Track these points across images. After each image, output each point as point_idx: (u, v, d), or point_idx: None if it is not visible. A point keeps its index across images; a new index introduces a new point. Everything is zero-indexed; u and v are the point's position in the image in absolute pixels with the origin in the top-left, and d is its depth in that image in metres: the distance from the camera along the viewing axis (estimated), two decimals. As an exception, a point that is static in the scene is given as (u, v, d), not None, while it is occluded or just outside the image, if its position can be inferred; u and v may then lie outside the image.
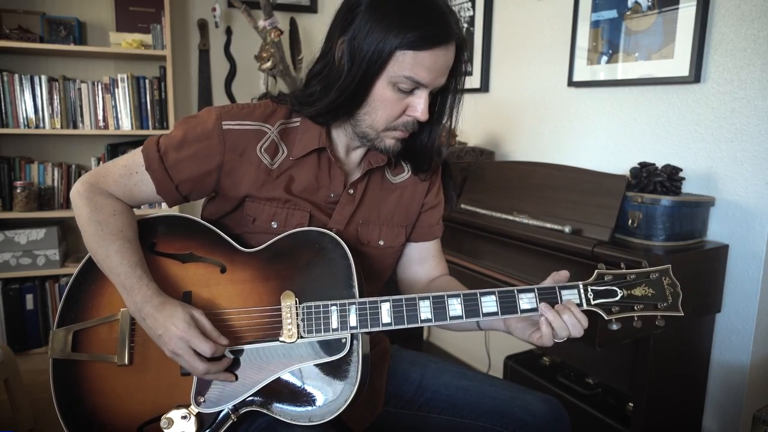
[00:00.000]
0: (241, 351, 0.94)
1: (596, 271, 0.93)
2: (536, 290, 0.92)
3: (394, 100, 0.94)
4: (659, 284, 0.92)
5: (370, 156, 1.07)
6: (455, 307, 0.92)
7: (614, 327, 0.92)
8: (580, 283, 0.92)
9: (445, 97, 1.01)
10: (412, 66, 0.90)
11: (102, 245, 0.94)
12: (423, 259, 1.19)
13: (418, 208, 1.15)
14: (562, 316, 0.89)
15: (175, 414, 0.92)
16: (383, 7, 0.89)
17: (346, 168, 1.06)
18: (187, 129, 1.00)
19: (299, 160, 1.02)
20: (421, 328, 2.80)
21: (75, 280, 1.02)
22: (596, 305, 0.91)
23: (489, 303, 0.92)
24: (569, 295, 0.91)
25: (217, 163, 0.99)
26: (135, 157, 1.00)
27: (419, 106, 0.94)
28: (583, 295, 0.91)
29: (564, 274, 0.95)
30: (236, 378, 0.93)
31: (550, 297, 0.91)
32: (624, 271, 0.92)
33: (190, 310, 0.90)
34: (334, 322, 0.92)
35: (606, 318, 0.91)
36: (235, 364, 0.94)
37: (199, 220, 1.04)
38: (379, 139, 0.98)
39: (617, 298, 0.91)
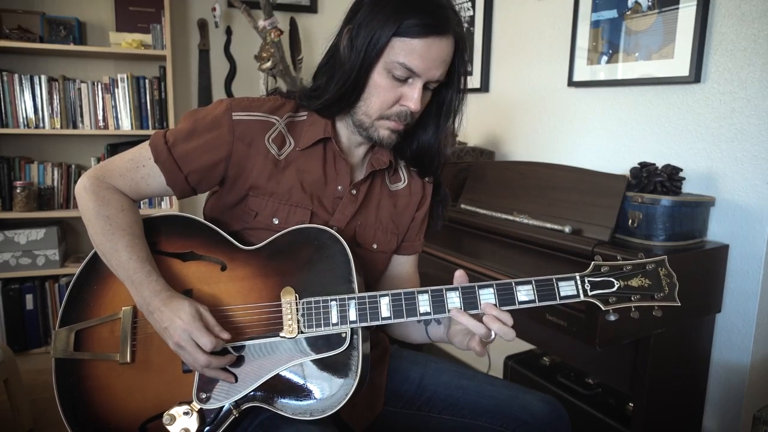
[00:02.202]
0: (243, 347, 0.95)
1: (593, 262, 0.93)
2: (533, 282, 0.92)
3: (388, 87, 0.95)
4: (656, 275, 0.93)
5: (373, 158, 1.08)
6: (454, 300, 0.93)
7: (611, 318, 0.92)
8: (576, 274, 0.92)
9: (446, 94, 1.02)
10: (406, 53, 0.91)
11: (111, 240, 0.95)
12: (396, 272, 1.19)
13: (409, 220, 1.15)
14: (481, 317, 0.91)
15: (177, 410, 0.93)
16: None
17: (349, 161, 1.07)
18: (197, 120, 1.01)
19: (306, 152, 1.03)
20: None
21: (76, 280, 1.03)
22: (593, 296, 0.92)
23: (487, 295, 0.92)
24: (566, 287, 0.92)
25: (226, 153, 0.99)
26: (142, 150, 1.01)
27: (412, 95, 0.95)
28: (580, 287, 0.92)
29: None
30: (236, 379, 0.94)
31: (546, 289, 0.92)
32: (620, 262, 0.93)
33: (197, 306, 0.91)
34: (334, 317, 0.93)
35: (603, 309, 0.92)
36: (236, 361, 0.94)
37: (200, 219, 1.04)
38: (373, 128, 0.99)
39: (614, 289, 0.92)
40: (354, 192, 1.06)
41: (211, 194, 1.11)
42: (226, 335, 0.92)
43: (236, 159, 1.00)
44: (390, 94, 0.95)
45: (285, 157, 1.02)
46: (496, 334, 0.92)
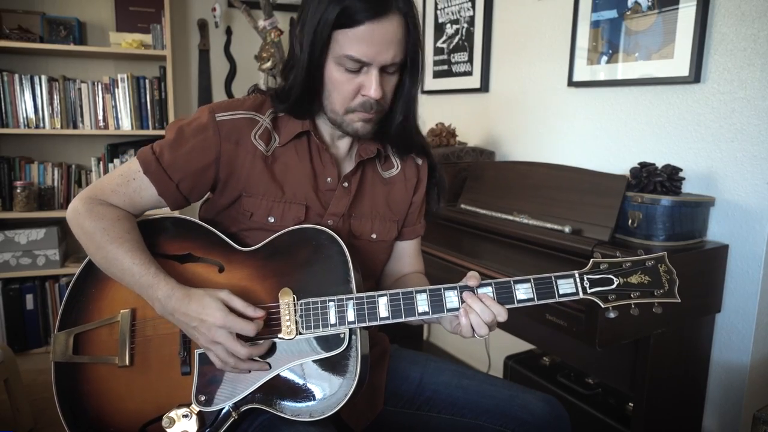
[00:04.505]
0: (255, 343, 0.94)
1: (592, 260, 0.93)
2: (532, 280, 0.92)
3: (344, 81, 0.94)
4: (655, 271, 0.92)
5: (360, 148, 1.07)
6: (452, 299, 0.92)
7: (611, 315, 0.91)
8: (575, 272, 0.92)
9: (405, 74, 1.00)
10: (351, 44, 0.90)
11: (110, 250, 0.94)
12: (398, 257, 1.20)
13: (406, 206, 1.15)
14: (475, 306, 0.90)
15: (176, 413, 0.93)
16: None
17: (334, 153, 1.07)
18: (181, 127, 1.00)
19: (289, 147, 1.03)
20: (421, 327, 2.80)
21: (74, 284, 1.03)
22: (592, 294, 0.91)
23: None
24: (565, 285, 0.91)
25: (214, 155, 0.99)
26: (130, 164, 1.00)
27: (370, 84, 0.93)
28: (579, 284, 0.91)
29: (473, 274, 0.94)
30: (270, 366, 0.93)
31: (545, 287, 0.91)
32: (620, 259, 0.93)
33: (218, 294, 0.90)
34: (332, 318, 0.93)
35: (602, 306, 0.91)
36: None
37: (196, 220, 1.04)
38: (345, 123, 0.99)
39: (613, 287, 0.91)
40: (346, 185, 1.06)
41: (204, 201, 1.10)
42: (260, 312, 0.91)
43: (226, 160, 1.00)
44: (348, 86, 0.94)
45: (272, 153, 1.02)
46: (474, 326, 0.91)
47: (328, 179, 1.05)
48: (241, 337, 0.90)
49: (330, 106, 0.98)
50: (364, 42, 0.90)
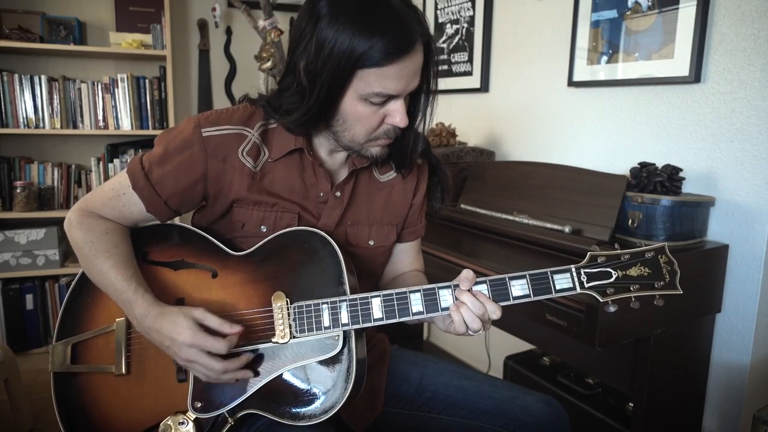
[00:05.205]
0: (236, 354, 0.94)
1: (589, 253, 0.90)
2: (527, 276, 0.89)
3: (369, 114, 0.91)
4: (655, 263, 0.89)
5: (355, 158, 1.04)
6: (446, 298, 0.91)
7: (611, 309, 0.89)
8: (572, 266, 0.89)
9: (418, 96, 0.98)
10: (379, 81, 0.87)
11: (96, 264, 0.95)
12: (398, 257, 1.18)
13: (406, 208, 1.14)
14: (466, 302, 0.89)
15: (173, 420, 0.93)
16: (336, 23, 0.84)
17: (330, 166, 1.05)
18: (168, 142, 0.99)
19: (280, 161, 1.00)
20: (421, 327, 2.80)
21: (71, 294, 1.03)
22: (590, 288, 0.88)
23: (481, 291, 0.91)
24: (561, 279, 0.89)
25: (201, 172, 0.97)
26: (121, 178, 1.00)
27: (397, 114, 0.92)
28: (576, 279, 0.88)
29: (468, 273, 0.91)
30: (255, 374, 0.93)
31: (541, 283, 0.89)
32: (618, 251, 0.89)
33: (191, 312, 0.90)
34: (326, 320, 0.92)
35: (601, 300, 0.88)
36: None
37: (190, 227, 1.04)
38: (364, 149, 0.97)
39: (611, 280, 0.88)
40: (338, 194, 1.04)
41: (197, 209, 1.09)
42: (237, 327, 0.90)
43: (213, 176, 0.98)
44: (373, 118, 0.92)
45: (261, 168, 1.00)
46: (466, 321, 0.89)
47: (321, 193, 1.03)
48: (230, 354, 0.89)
49: (350, 137, 0.95)
50: (394, 79, 0.87)
